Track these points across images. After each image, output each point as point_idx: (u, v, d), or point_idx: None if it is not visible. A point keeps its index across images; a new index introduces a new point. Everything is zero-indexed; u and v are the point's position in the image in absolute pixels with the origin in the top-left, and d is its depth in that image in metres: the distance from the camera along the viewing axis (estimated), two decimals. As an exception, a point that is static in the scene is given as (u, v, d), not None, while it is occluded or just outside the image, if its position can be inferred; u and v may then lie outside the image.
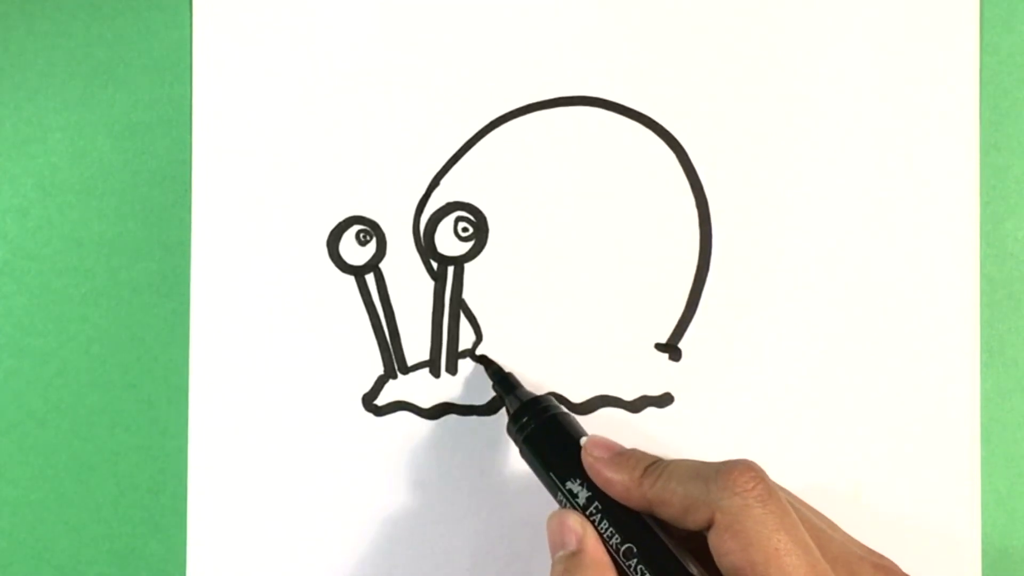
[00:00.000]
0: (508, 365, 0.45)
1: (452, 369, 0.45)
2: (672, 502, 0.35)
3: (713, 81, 0.46)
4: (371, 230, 0.46)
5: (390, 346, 0.45)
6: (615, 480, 0.37)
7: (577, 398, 0.45)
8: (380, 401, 0.45)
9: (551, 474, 0.39)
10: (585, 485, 0.38)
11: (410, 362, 0.45)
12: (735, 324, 0.45)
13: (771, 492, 0.34)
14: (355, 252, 0.46)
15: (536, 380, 0.45)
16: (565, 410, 0.41)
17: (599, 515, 0.37)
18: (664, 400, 0.45)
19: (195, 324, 0.45)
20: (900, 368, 0.45)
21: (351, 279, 0.46)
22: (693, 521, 0.35)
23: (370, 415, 0.45)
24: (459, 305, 0.46)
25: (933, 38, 0.46)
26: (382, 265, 0.46)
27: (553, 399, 0.41)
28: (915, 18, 0.46)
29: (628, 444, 0.45)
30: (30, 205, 0.46)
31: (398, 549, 0.45)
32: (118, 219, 0.46)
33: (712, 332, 0.45)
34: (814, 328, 0.45)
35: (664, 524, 0.37)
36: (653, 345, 0.45)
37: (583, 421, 0.45)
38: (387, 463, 0.45)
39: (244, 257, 0.46)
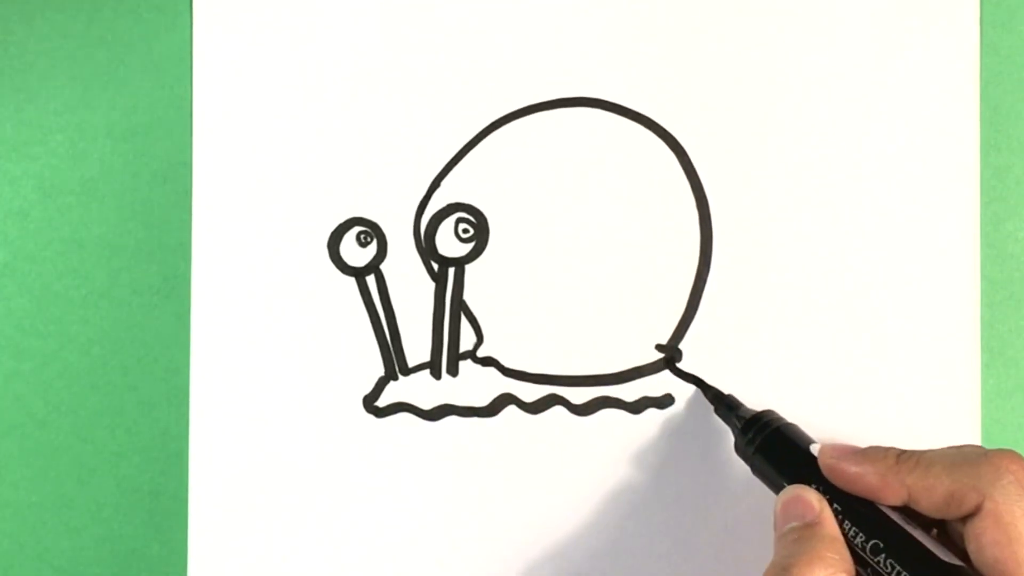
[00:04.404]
0: (509, 363, 0.45)
1: (453, 371, 0.45)
2: (936, 488, 0.35)
3: (713, 82, 0.46)
4: (372, 231, 0.46)
5: (391, 347, 0.45)
6: (867, 472, 0.37)
7: (578, 399, 0.45)
8: (381, 403, 0.45)
9: (786, 483, 0.39)
10: (822, 488, 0.38)
11: (411, 363, 0.45)
12: (736, 325, 0.45)
13: None
14: (356, 253, 0.46)
15: (536, 381, 0.45)
16: (789, 422, 0.41)
17: (840, 516, 0.37)
18: (665, 401, 0.45)
19: (196, 326, 0.45)
20: (901, 369, 0.45)
21: (352, 280, 0.46)
22: (955, 509, 0.35)
23: (371, 416, 0.45)
24: (460, 306, 0.46)
25: (933, 38, 0.46)
26: (383, 266, 0.46)
27: (776, 412, 0.42)
28: (915, 18, 0.46)
29: (629, 446, 0.45)
30: (30, 207, 0.46)
31: (399, 551, 0.45)
32: (118, 221, 0.46)
33: (713, 333, 0.45)
34: (814, 329, 0.45)
35: (905, 517, 0.37)
36: (654, 346, 0.45)
37: (583, 422, 0.45)
38: (388, 465, 0.45)
39: (245, 259, 0.45)
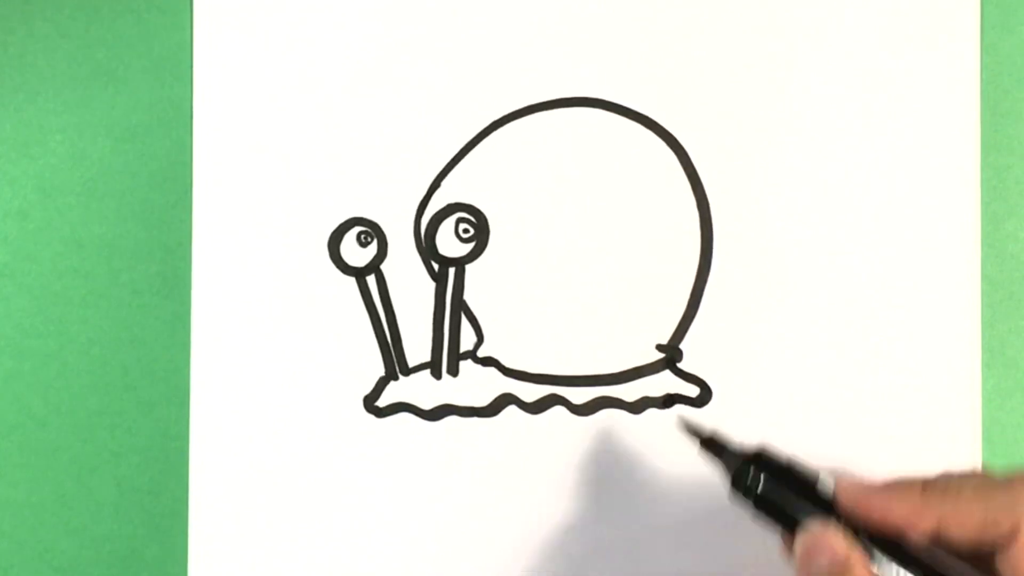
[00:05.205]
0: (509, 363, 0.45)
1: (453, 371, 0.45)
2: (970, 516, 0.33)
3: (714, 82, 0.46)
4: (372, 231, 0.46)
5: (391, 347, 0.45)
6: (895, 507, 0.34)
7: (578, 399, 0.45)
8: (381, 402, 0.45)
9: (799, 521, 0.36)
10: (840, 524, 0.35)
11: (411, 363, 0.45)
12: (736, 325, 0.45)
13: None
14: (356, 253, 0.46)
15: (536, 381, 0.45)
16: (786, 456, 0.38)
17: (865, 553, 0.34)
18: (665, 401, 0.45)
19: (196, 326, 0.45)
20: (901, 369, 0.45)
21: (352, 280, 0.46)
22: (990, 535, 0.33)
23: (371, 416, 0.45)
24: (460, 306, 0.46)
25: (933, 38, 0.46)
26: (383, 266, 0.46)
27: (768, 449, 0.38)
28: (915, 18, 0.46)
29: (629, 446, 0.45)
30: (30, 207, 0.46)
31: (399, 551, 0.45)
32: (118, 221, 0.46)
33: (713, 333, 0.45)
34: (815, 329, 0.45)
35: (934, 549, 0.34)
36: (654, 346, 0.45)
37: (583, 422, 0.45)
38: (388, 464, 0.45)
39: (245, 259, 0.45)
